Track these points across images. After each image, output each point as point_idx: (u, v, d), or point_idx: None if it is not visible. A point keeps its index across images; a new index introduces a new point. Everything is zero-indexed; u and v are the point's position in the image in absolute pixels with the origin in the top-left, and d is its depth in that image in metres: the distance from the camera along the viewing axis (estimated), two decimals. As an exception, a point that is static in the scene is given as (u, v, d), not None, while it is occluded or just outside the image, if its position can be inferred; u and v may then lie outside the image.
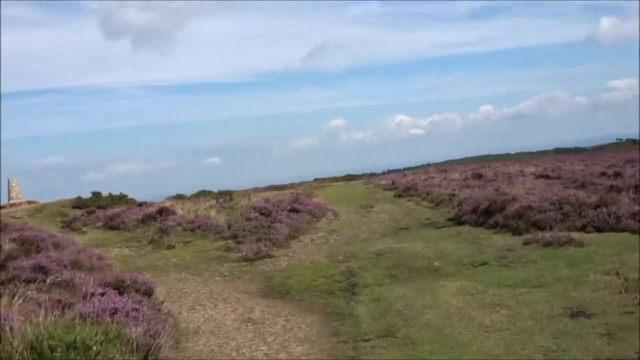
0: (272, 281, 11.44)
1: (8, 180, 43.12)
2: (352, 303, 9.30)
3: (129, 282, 7.85)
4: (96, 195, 41.02)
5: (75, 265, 10.88)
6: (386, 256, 12.67)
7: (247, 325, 8.39)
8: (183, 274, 12.41)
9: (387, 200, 27.97)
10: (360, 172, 75.87)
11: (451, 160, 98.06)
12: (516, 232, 13.77)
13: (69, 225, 26.54)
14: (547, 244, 11.80)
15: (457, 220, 17.30)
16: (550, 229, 13.07)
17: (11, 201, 42.10)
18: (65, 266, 11.02)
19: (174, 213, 21.63)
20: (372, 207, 24.30)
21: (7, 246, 13.44)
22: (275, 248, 15.07)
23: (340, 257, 13.32)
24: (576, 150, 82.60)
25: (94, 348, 5.27)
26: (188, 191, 39.39)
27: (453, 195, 22.66)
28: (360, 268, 11.81)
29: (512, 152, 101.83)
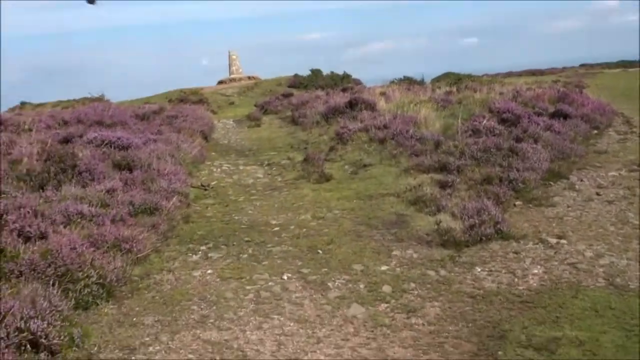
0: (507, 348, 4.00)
1: (229, 52, 39.73)
2: None
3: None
4: (315, 73, 35.71)
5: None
6: None
7: None
8: (285, 276, 5.41)
9: None
10: (633, 59, 60.15)
11: None
12: None
13: (261, 108, 21.83)
14: None
15: None
16: None
17: (231, 76, 38.85)
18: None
19: (372, 107, 14.69)
20: (698, 112, 14.50)
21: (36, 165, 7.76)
22: (518, 202, 7.38)
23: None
24: None
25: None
26: (438, 72, 31.92)
27: None
28: None
29: None
